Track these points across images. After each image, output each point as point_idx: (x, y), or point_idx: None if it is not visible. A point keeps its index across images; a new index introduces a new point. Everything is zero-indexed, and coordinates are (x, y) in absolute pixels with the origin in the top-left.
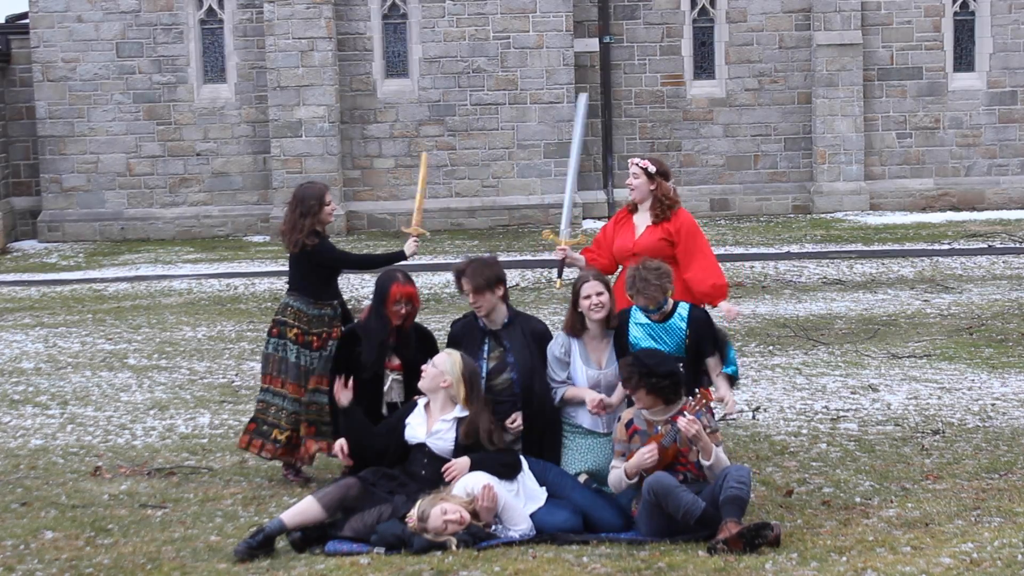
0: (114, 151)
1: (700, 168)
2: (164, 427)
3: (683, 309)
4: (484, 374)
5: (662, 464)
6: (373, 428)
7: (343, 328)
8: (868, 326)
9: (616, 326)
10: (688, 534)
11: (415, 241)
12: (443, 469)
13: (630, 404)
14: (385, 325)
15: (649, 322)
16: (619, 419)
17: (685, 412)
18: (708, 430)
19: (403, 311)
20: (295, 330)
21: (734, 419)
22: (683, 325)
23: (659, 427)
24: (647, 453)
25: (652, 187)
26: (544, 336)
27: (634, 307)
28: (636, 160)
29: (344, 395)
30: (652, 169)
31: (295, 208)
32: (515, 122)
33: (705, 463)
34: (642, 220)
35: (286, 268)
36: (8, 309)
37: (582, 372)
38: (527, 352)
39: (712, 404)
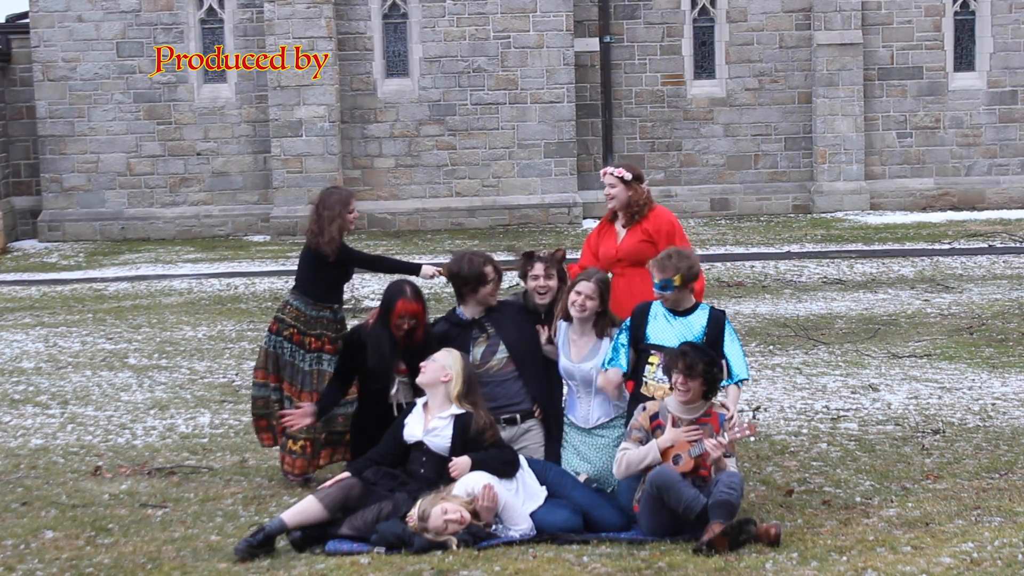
0: (114, 151)
1: (700, 168)
2: (164, 427)
3: (703, 309)
4: (478, 360)
5: (685, 470)
6: (381, 456)
7: (346, 331)
8: (868, 326)
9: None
10: (688, 533)
11: (438, 272)
12: (449, 467)
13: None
14: (390, 337)
15: (671, 314)
16: (643, 408)
17: (724, 432)
18: (725, 453)
19: (405, 326)
20: (291, 329)
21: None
22: (703, 324)
23: (682, 424)
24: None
25: (630, 193)
26: (524, 309)
27: (655, 301)
28: (610, 169)
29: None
30: (628, 176)
31: (328, 209)
32: (515, 122)
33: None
34: (622, 226)
35: (286, 268)
36: (8, 309)
37: (560, 360)
38: (513, 327)
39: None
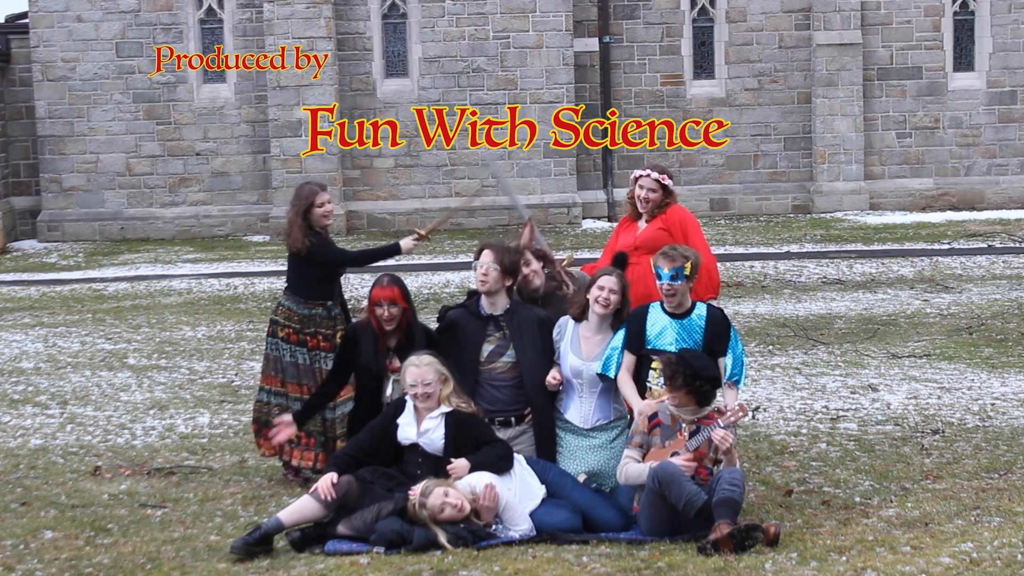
0: (114, 151)
1: (700, 168)
2: (164, 427)
3: (701, 308)
4: (484, 357)
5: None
6: (362, 450)
7: (344, 328)
8: (868, 326)
9: (616, 327)
10: (688, 532)
11: (416, 241)
12: (448, 469)
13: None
14: (374, 332)
15: (669, 318)
16: (640, 412)
17: (719, 422)
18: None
19: (386, 314)
20: (287, 330)
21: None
22: (702, 324)
23: (683, 424)
24: (686, 466)
25: (667, 199)
26: (545, 321)
27: (652, 303)
28: (653, 175)
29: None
30: (669, 184)
31: (292, 207)
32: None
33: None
34: (644, 221)
35: (285, 268)
36: (8, 309)
37: (566, 358)
38: (527, 337)
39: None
